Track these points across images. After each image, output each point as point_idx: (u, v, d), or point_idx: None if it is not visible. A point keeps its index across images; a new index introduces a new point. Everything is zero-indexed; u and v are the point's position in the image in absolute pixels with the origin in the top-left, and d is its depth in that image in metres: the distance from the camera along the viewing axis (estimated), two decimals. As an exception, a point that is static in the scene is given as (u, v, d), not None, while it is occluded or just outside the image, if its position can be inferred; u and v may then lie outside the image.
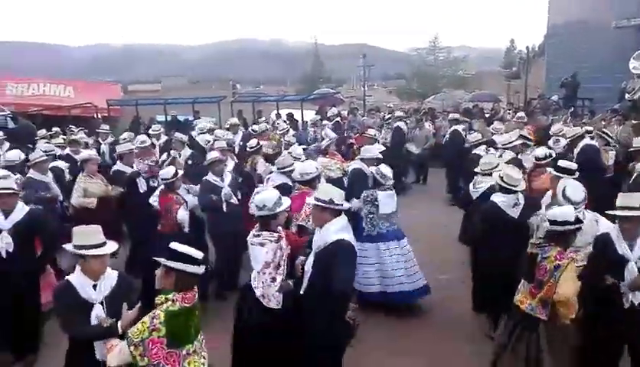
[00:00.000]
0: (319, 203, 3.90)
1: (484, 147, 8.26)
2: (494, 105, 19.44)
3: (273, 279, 3.99)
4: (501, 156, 7.32)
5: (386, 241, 5.79)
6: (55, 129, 11.56)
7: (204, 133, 10.10)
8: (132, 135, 10.45)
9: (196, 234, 6.08)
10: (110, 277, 3.29)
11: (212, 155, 6.65)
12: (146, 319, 2.86)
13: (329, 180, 6.27)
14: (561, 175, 5.15)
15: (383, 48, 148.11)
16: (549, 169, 5.77)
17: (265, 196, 4.15)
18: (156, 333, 2.82)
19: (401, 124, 12.01)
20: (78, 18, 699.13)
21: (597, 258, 4.00)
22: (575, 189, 4.50)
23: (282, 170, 6.33)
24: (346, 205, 4.09)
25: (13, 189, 4.80)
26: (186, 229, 5.82)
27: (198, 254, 3.00)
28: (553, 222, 3.79)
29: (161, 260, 2.94)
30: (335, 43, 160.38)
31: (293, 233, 4.77)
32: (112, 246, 3.27)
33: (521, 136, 7.94)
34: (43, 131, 11.12)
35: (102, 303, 3.21)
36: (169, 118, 16.71)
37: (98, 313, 3.18)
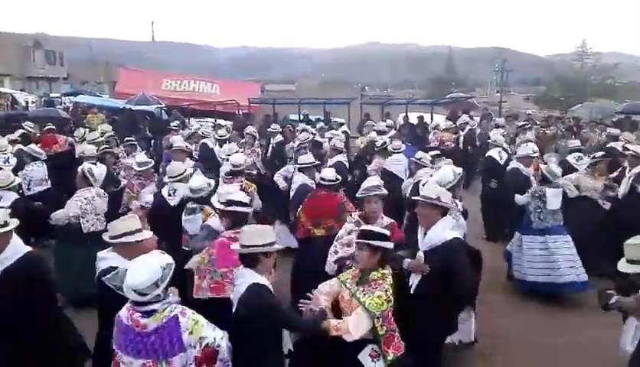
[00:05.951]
0: (427, 201, 3.83)
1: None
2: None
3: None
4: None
5: (553, 235, 6.05)
6: (225, 123, 13.39)
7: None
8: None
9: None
10: None
11: None
12: (381, 293, 3.24)
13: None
14: None
15: (520, 52, 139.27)
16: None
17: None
18: (389, 304, 3.25)
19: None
20: (223, 22, 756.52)
21: None
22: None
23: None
24: (451, 204, 4.03)
25: None
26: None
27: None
28: None
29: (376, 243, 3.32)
30: (468, 46, 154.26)
31: None
32: None
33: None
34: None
35: None
36: (302, 116, 17.50)
37: None
